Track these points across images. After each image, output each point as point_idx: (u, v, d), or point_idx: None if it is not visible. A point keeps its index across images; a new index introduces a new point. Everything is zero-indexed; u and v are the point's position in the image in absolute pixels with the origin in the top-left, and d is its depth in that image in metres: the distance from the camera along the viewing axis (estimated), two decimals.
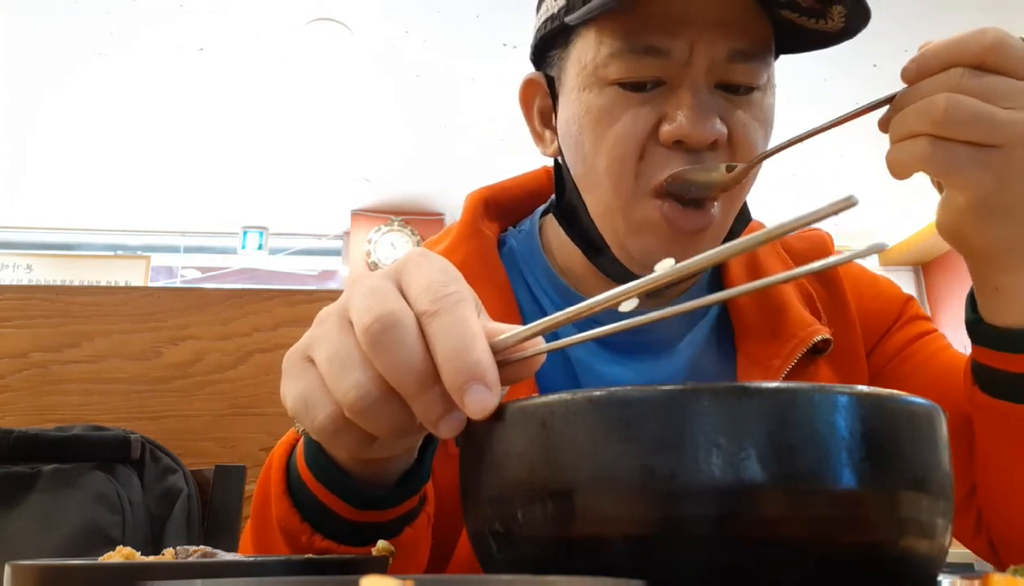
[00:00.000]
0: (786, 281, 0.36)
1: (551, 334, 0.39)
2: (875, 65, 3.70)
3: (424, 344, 0.36)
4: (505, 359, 0.38)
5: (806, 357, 0.72)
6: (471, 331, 0.36)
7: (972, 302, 0.64)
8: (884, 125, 0.59)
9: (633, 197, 0.65)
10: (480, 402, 0.35)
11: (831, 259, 0.33)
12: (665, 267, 0.34)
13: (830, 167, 4.58)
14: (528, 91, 0.77)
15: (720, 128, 0.63)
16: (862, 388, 0.34)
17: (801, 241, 0.83)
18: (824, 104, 4.01)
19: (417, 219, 5.44)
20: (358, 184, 5.06)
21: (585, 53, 0.66)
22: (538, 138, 0.77)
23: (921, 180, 0.59)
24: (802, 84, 3.82)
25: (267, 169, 4.77)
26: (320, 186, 5.05)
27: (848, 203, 0.30)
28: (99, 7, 3.28)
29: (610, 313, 0.37)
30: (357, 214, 5.45)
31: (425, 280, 0.38)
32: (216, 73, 3.77)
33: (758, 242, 0.32)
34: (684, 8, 0.62)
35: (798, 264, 0.80)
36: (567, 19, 0.65)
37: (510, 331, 0.38)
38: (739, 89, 0.65)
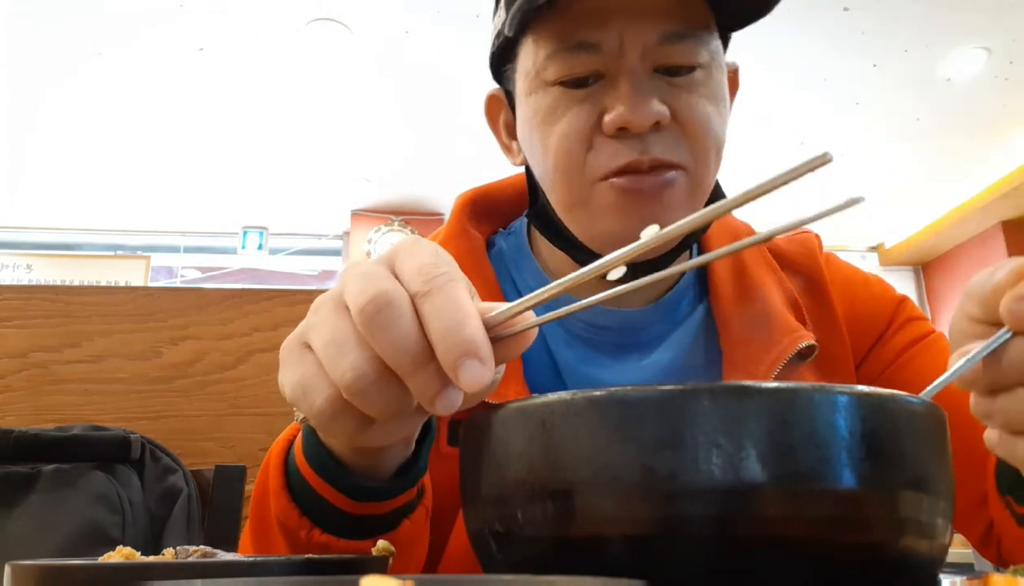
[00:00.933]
0: (759, 243, 0.36)
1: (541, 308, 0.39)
2: (875, 65, 3.70)
3: (418, 323, 0.37)
4: (497, 335, 0.38)
5: (791, 363, 0.71)
6: (463, 308, 0.36)
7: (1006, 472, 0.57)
8: (992, 377, 0.44)
9: (584, 187, 0.67)
10: (474, 377, 0.35)
11: (804, 217, 0.33)
12: (650, 233, 0.34)
13: (831, 167, 4.58)
14: (492, 107, 0.80)
15: (660, 109, 0.64)
16: (862, 388, 0.34)
17: (789, 243, 0.83)
18: (824, 104, 4.01)
19: (417, 219, 5.44)
20: (358, 184, 5.06)
21: (527, 60, 0.69)
22: (507, 150, 0.80)
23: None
24: (802, 84, 3.82)
25: (267, 169, 4.77)
26: (320, 186, 5.04)
27: (823, 160, 0.30)
28: (99, 7, 3.28)
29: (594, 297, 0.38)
30: (357, 214, 5.45)
31: (417, 262, 0.38)
32: (216, 73, 3.77)
33: (739, 202, 0.32)
34: (610, 1, 0.64)
35: (784, 268, 0.80)
36: (507, 31, 0.68)
37: (501, 308, 0.38)
38: (680, 71, 0.66)
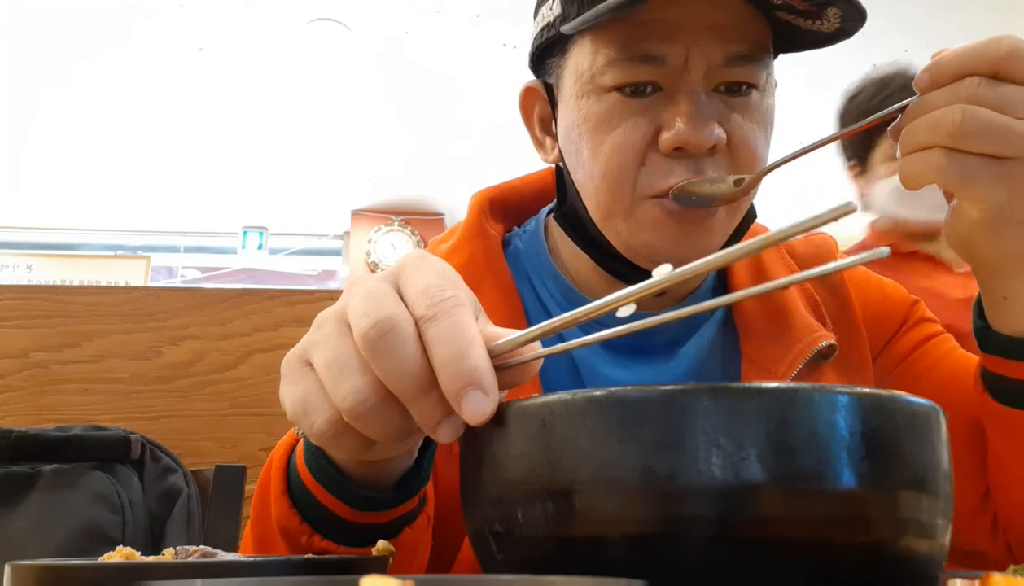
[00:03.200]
0: (788, 286, 0.36)
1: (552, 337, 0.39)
2: (875, 65, 3.70)
3: (422, 349, 0.36)
4: (503, 363, 0.38)
5: (811, 363, 0.71)
6: (468, 336, 0.36)
7: (980, 309, 0.64)
8: (896, 134, 0.58)
9: (632, 201, 0.66)
10: (477, 408, 0.35)
11: (833, 264, 0.33)
12: (663, 273, 0.34)
13: (831, 167, 4.58)
14: (527, 99, 0.77)
15: (719, 133, 0.63)
16: (862, 388, 0.34)
17: (806, 245, 0.83)
18: (824, 104, 4.01)
19: (417, 219, 5.44)
20: (358, 184, 5.06)
21: (582, 61, 0.67)
22: (539, 145, 0.77)
23: None
24: (802, 84, 3.82)
25: (267, 169, 4.77)
26: (320, 186, 5.04)
27: (847, 209, 0.30)
28: (99, 7, 3.28)
29: (611, 316, 0.37)
30: (357, 214, 5.45)
31: (423, 284, 0.38)
32: (216, 73, 3.77)
33: (757, 247, 0.32)
34: (679, 14, 0.62)
35: (803, 268, 0.80)
36: (562, 28, 0.66)
37: (508, 336, 0.38)
38: (739, 89, 0.65)
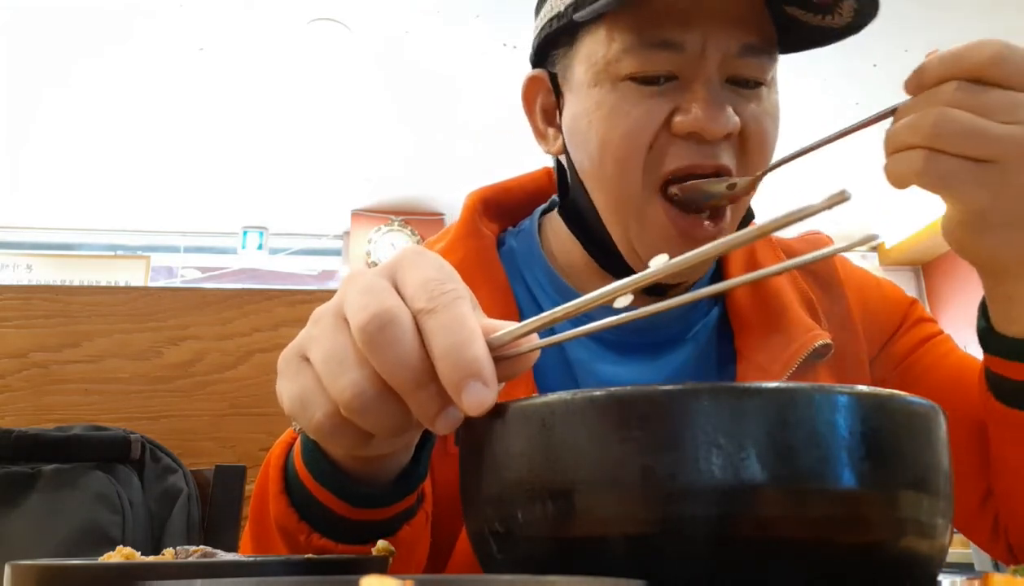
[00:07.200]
0: (781, 272, 0.37)
1: (547, 330, 0.39)
2: (875, 65, 3.70)
3: (420, 341, 0.36)
4: (501, 355, 0.38)
5: (806, 362, 0.71)
6: (468, 328, 0.36)
7: (984, 310, 0.64)
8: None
9: (641, 189, 0.66)
10: (478, 398, 0.35)
11: (825, 250, 0.33)
12: (659, 263, 0.34)
13: (830, 168, 4.58)
14: (531, 89, 0.76)
15: (734, 120, 0.64)
16: (862, 388, 0.34)
17: (802, 245, 0.83)
18: (824, 105, 4.01)
19: (417, 219, 5.44)
20: (358, 184, 5.06)
21: (595, 49, 0.66)
22: (541, 136, 0.77)
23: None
24: (802, 85, 3.82)
25: (267, 169, 4.77)
26: (320, 186, 5.04)
27: (841, 198, 0.30)
28: (99, 7, 3.28)
29: (606, 309, 0.38)
30: (357, 214, 5.44)
31: (421, 277, 0.38)
32: (216, 73, 3.77)
33: (751, 237, 0.32)
34: (693, 2, 0.63)
35: (799, 269, 0.80)
36: (576, 16, 0.65)
37: (506, 328, 0.38)
38: (748, 83, 0.66)
